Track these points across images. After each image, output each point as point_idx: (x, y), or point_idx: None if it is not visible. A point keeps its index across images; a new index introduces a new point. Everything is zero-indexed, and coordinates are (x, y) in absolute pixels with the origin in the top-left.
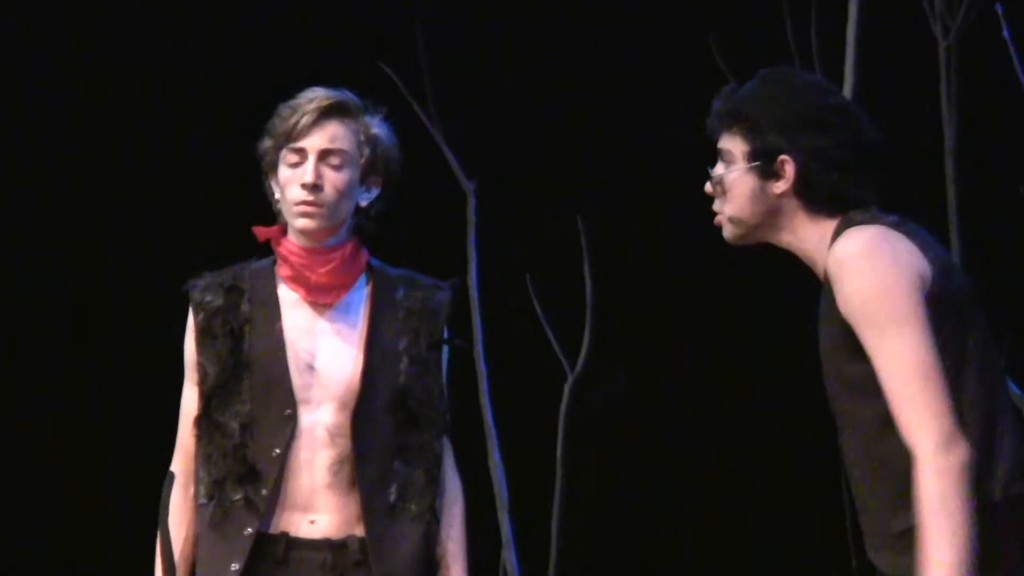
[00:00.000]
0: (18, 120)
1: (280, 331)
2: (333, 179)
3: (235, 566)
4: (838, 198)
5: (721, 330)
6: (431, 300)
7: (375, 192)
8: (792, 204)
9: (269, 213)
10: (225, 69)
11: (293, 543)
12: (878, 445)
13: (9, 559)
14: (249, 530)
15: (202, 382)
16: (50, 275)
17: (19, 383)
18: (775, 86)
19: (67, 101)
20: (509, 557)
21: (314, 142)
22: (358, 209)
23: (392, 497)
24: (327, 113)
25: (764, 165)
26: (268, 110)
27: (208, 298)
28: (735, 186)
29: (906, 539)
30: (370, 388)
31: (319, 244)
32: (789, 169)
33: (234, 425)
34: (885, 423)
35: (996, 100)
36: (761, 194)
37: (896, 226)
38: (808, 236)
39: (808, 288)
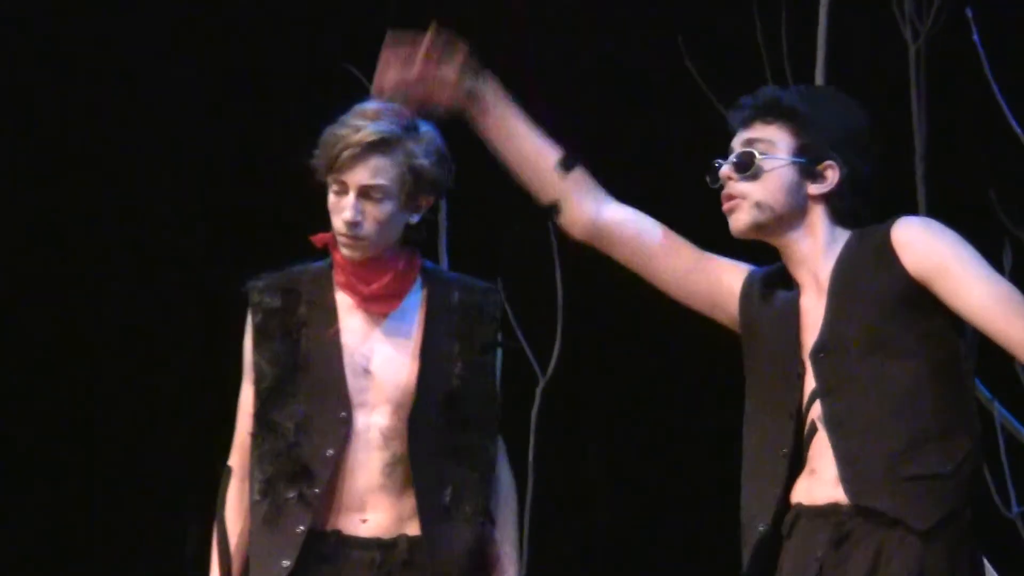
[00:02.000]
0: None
1: (336, 335)
2: (374, 213)
3: (286, 563)
4: (856, 215)
5: (694, 333)
6: (484, 303)
7: (426, 208)
8: (819, 208)
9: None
10: (197, 70)
11: (344, 541)
12: (911, 399)
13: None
14: (301, 528)
15: (259, 381)
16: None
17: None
18: (831, 99)
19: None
20: None
21: (355, 177)
22: (414, 226)
23: (447, 499)
24: (369, 148)
25: (809, 164)
26: (239, 111)
27: (266, 299)
28: (774, 174)
29: (914, 484)
30: (424, 392)
31: (367, 260)
32: (832, 176)
33: (289, 425)
34: (922, 381)
35: (966, 103)
36: (797, 189)
37: None
38: (823, 241)
39: None
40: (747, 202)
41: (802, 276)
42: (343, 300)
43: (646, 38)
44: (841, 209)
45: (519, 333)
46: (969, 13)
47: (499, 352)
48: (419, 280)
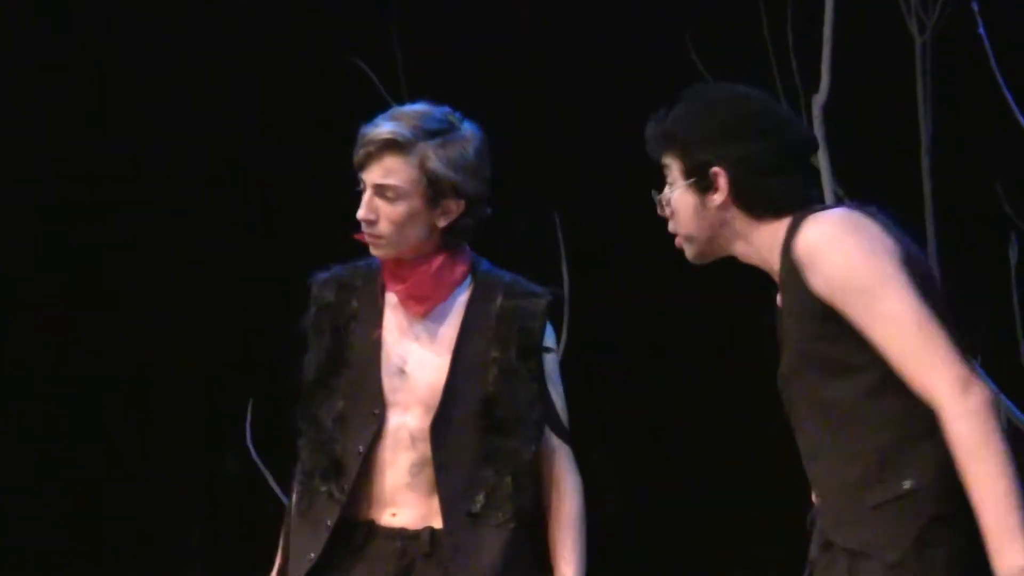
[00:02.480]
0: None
1: (379, 332)
2: (387, 212)
3: (312, 555)
4: (775, 200)
5: (701, 327)
6: (526, 308)
7: (457, 211)
8: (734, 213)
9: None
10: (202, 66)
11: (374, 532)
12: (852, 423)
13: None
14: (329, 522)
15: (305, 375)
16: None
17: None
18: (697, 103)
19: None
20: None
21: (371, 176)
22: (450, 228)
23: (478, 506)
24: (383, 148)
25: (700, 180)
26: (243, 111)
27: (324, 293)
28: (679, 204)
29: (880, 512)
30: (453, 395)
31: (404, 259)
32: (722, 180)
33: (327, 420)
34: (865, 398)
35: (972, 96)
36: (703, 208)
37: (859, 209)
38: (759, 240)
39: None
40: (681, 239)
41: (775, 275)
42: (391, 299)
43: (651, 32)
44: (753, 203)
45: None
46: (975, 6)
47: (551, 356)
48: (468, 282)
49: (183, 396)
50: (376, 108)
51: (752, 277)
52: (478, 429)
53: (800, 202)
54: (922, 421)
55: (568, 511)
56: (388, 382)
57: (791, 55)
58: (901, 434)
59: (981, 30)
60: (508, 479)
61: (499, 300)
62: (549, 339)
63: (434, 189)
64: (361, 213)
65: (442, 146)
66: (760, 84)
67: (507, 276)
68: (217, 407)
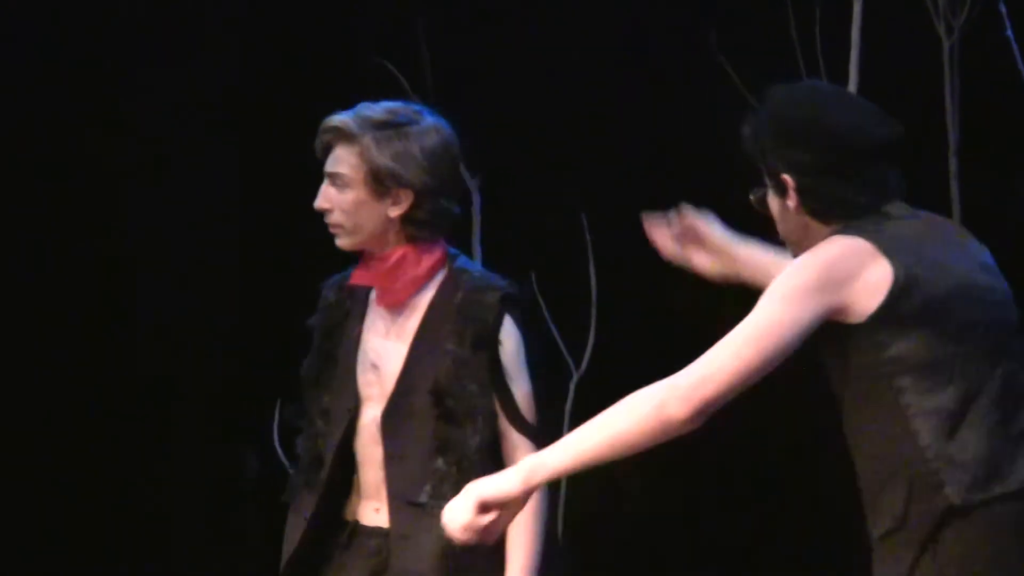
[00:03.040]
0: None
1: (360, 329)
2: (337, 200)
3: (290, 547)
4: (840, 204)
5: (728, 327)
6: (482, 300)
7: (406, 202)
8: (806, 218)
9: None
10: (228, 67)
11: (358, 530)
12: (859, 444)
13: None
14: (307, 514)
15: (303, 374)
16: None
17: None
18: (769, 108)
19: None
20: None
21: (326, 165)
22: (406, 219)
23: (425, 496)
24: (331, 137)
25: (776, 186)
26: (269, 106)
27: (327, 294)
28: (771, 208)
29: (882, 546)
30: (407, 387)
31: (370, 253)
32: (790, 186)
33: (316, 416)
34: (855, 431)
35: (999, 98)
36: (785, 212)
37: (879, 235)
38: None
39: None
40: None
41: None
42: (374, 295)
43: (678, 32)
44: (819, 208)
45: (552, 327)
46: (1003, 8)
47: (513, 350)
48: (440, 277)
49: (206, 397)
50: None
51: None
52: (431, 420)
53: (866, 209)
54: (901, 446)
55: (527, 510)
56: (362, 377)
57: (819, 56)
58: (887, 463)
59: (1009, 32)
60: (454, 469)
61: (460, 293)
62: (510, 333)
63: (375, 178)
64: (316, 202)
65: (387, 137)
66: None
67: (476, 271)
68: (241, 408)
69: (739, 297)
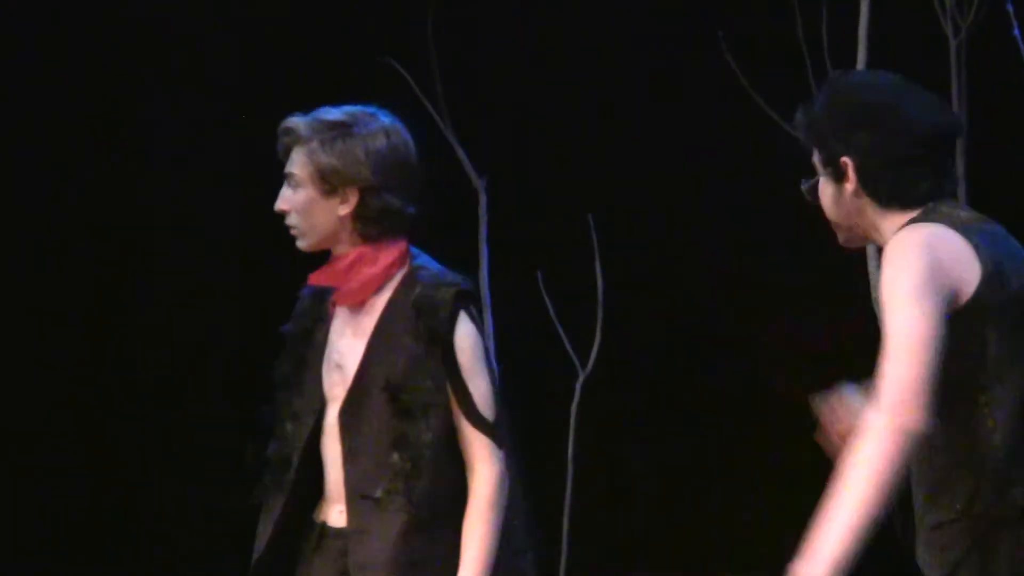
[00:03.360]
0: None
1: (327, 331)
2: (292, 200)
3: (260, 546)
4: (903, 191)
5: (734, 327)
6: (435, 296)
7: (353, 200)
8: (866, 202)
9: None
10: (235, 67)
11: (327, 532)
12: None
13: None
14: (276, 514)
15: (274, 377)
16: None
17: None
18: (830, 93)
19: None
20: None
21: (287, 166)
22: (356, 217)
23: (380, 491)
24: (286, 139)
25: (834, 170)
26: (275, 109)
27: (303, 301)
28: (822, 194)
29: (937, 534)
30: (365, 384)
31: (333, 253)
32: (851, 170)
33: (285, 417)
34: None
35: (1007, 98)
36: (840, 197)
37: (958, 225)
38: (887, 231)
39: (812, 283)
40: (832, 225)
41: None
42: None
43: (686, 34)
44: (880, 193)
45: (558, 327)
46: (1010, 8)
47: (470, 346)
48: (399, 275)
49: (214, 397)
50: (410, 108)
51: (788, 278)
52: (387, 416)
53: (928, 196)
54: (971, 447)
55: (476, 501)
56: (327, 377)
57: (825, 56)
58: (951, 456)
59: (1016, 32)
60: (408, 464)
61: (416, 291)
62: (465, 329)
63: (322, 177)
64: (276, 204)
65: (334, 138)
66: (794, 85)
67: (434, 268)
68: (244, 407)
69: (747, 300)
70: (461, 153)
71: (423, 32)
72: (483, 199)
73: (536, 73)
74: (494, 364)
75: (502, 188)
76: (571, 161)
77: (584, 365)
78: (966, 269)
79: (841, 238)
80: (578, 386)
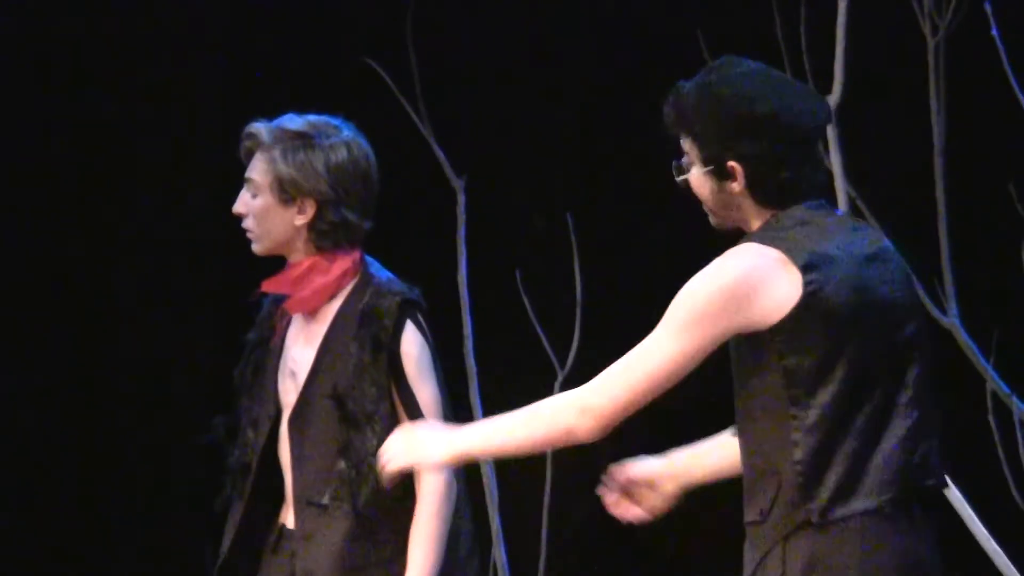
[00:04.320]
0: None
1: (283, 338)
2: (250, 205)
3: (223, 551)
4: (785, 192)
5: None
6: (381, 305)
7: (310, 211)
8: (748, 200)
9: None
10: (212, 68)
11: (285, 534)
12: (741, 436)
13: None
14: (236, 518)
15: (234, 384)
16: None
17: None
18: (712, 100)
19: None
20: (499, 554)
21: (247, 171)
22: (312, 228)
23: (326, 497)
24: (248, 144)
25: (717, 169)
26: (253, 109)
27: (264, 309)
28: (697, 183)
29: (748, 532)
30: (313, 392)
31: (288, 260)
32: (739, 173)
33: (245, 424)
34: (744, 419)
35: (985, 98)
36: (719, 192)
37: (810, 237)
38: (755, 226)
39: None
40: (706, 208)
41: None
42: None
43: (664, 32)
44: (766, 194)
45: (537, 327)
46: (988, 7)
47: (415, 354)
48: (351, 285)
49: (199, 394)
50: (389, 108)
51: None
52: (335, 423)
53: (804, 194)
54: (779, 448)
55: (422, 508)
56: (282, 384)
57: (804, 55)
58: (764, 457)
59: (995, 31)
60: (353, 471)
61: (364, 299)
62: (411, 338)
63: (280, 186)
64: (234, 207)
65: (295, 148)
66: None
67: (383, 277)
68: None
69: None
70: (440, 153)
71: (402, 33)
72: (462, 199)
73: (515, 73)
74: (441, 372)
75: (481, 188)
76: (550, 161)
77: (563, 365)
78: (778, 295)
79: (714, 222)
80: (557, 386)
